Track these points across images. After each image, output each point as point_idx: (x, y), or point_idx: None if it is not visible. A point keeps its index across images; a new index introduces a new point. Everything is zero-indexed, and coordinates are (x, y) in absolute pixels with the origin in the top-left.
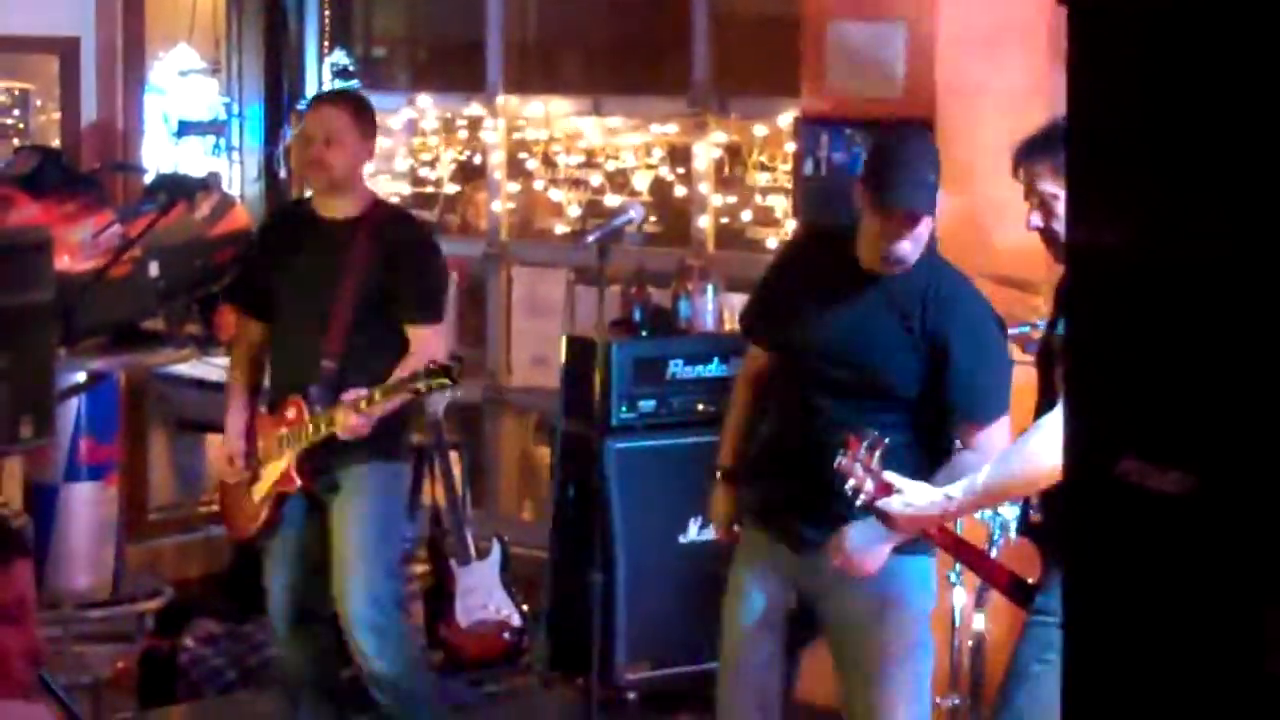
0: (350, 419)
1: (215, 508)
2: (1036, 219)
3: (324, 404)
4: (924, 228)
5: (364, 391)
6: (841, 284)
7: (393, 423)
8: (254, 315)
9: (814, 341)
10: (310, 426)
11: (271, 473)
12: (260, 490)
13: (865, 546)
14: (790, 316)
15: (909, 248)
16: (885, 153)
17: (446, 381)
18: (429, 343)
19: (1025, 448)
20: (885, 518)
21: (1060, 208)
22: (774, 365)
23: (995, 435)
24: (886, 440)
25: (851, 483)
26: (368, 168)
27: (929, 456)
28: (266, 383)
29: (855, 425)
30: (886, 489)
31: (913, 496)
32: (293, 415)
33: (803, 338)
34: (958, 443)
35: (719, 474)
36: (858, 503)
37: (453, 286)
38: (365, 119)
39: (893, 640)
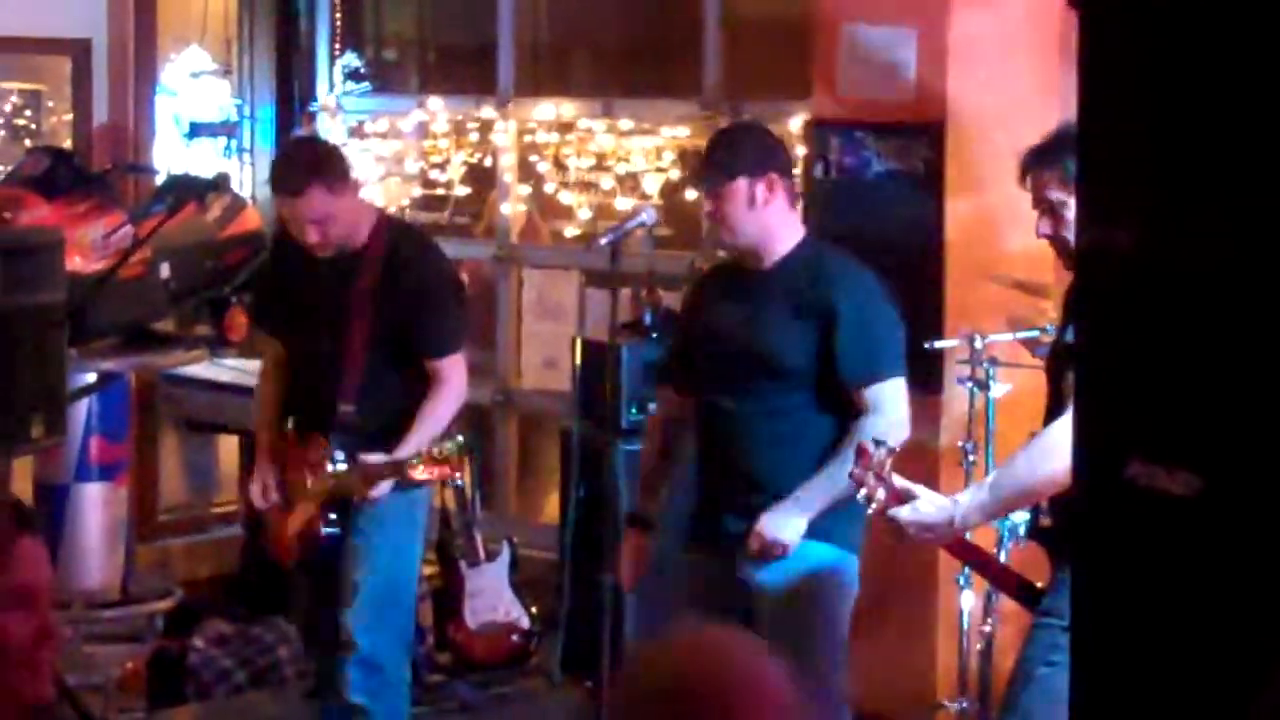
0: (367, 491)
1: (226, 509)
2: (1045, 226)
3: (345, 450)
4: (731, 197)
5: (380, 459)
6: (731, 292)
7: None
8: (277, 335)
9: (712, 347)
10: (331, 478)
11: (301, 512)
12: (293, 525)
13: (778, 530)
14: (694, 345)
15: (723, 219)
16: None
17: (448, 472)
18: (448, 374)
19: (1035, 453)
20: (897, 527)
21: (1069, 215)
22: (688, 404)
23: (888, 394)
24: (896, 448)
25: (864, 491)
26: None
27: (835, 435)
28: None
29: (760, 416)
30: (899, 497)
31: (922, 505)
32: (315, 458)
33: (704, 350)
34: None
35: (628, 521)
36: (870, 510)
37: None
38: (336, 174)
39: (801, 633)
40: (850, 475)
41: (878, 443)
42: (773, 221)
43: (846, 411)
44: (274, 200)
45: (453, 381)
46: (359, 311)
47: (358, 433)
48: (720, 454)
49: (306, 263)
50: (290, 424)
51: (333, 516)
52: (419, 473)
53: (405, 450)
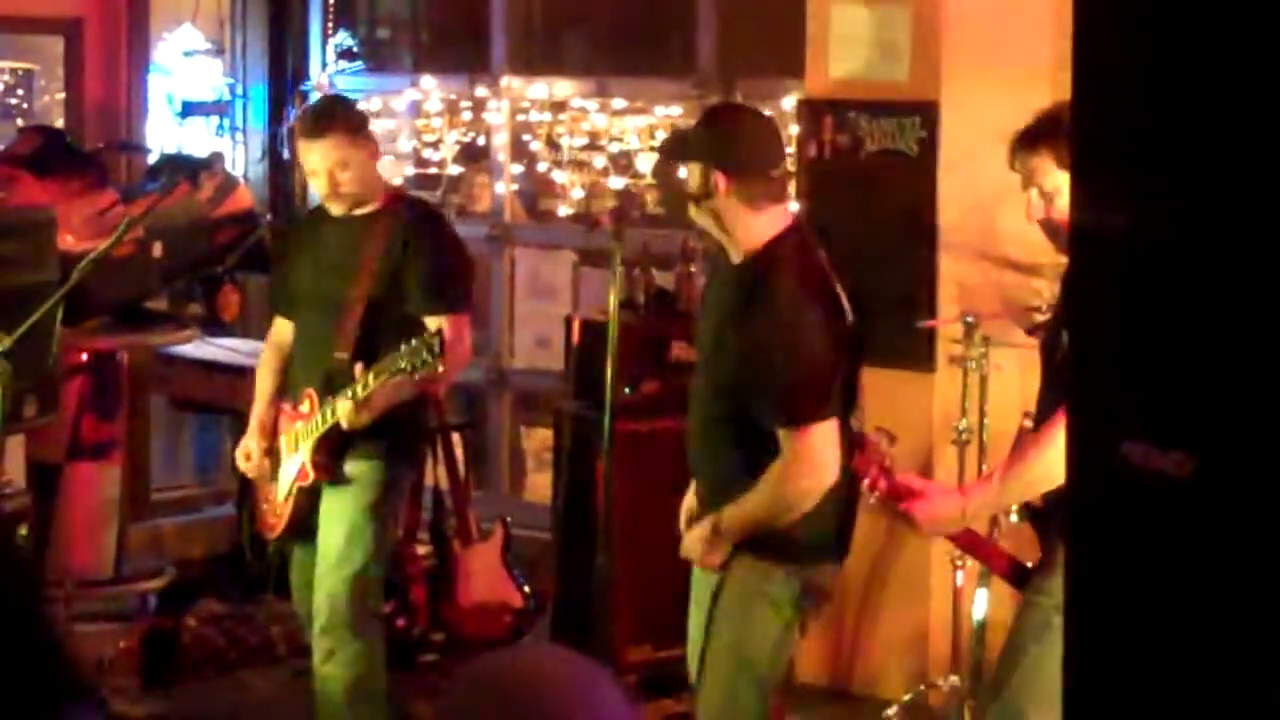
0: (345, 404)
1: (218, 488)
2: (1037, 210)
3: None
4: (689, 181)
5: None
6: (714, 282)
7: (403, 425)
8: (284, 315)
9: (698, 342)
10: (320, 417)
11: (289, 468)
12: (282, 488)
13: (704, 540)
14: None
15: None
16: None
17: (428, 359)
18: (445, 334)
19: (1054, 454)
20: (906, 520)
21: (1061, 199)
22: None
23: (803, 438)
24: (896, 437)
25: (866, 481)
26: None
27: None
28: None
29: (707, 418)
30: (902, 489)
31: (933, 501)
32: (307, 409)
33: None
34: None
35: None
36: (871, 500)
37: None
38: (356, 128)
39: (717, 646)
40: (853, 467)
41: (881, 433)
42: (727, 217)
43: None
44: (298, 151)
45: (450, 343)
46: (365, 268)
47: (349, 383)
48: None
49: (323, 232)
50: (288, 396)
51: (323, 461)
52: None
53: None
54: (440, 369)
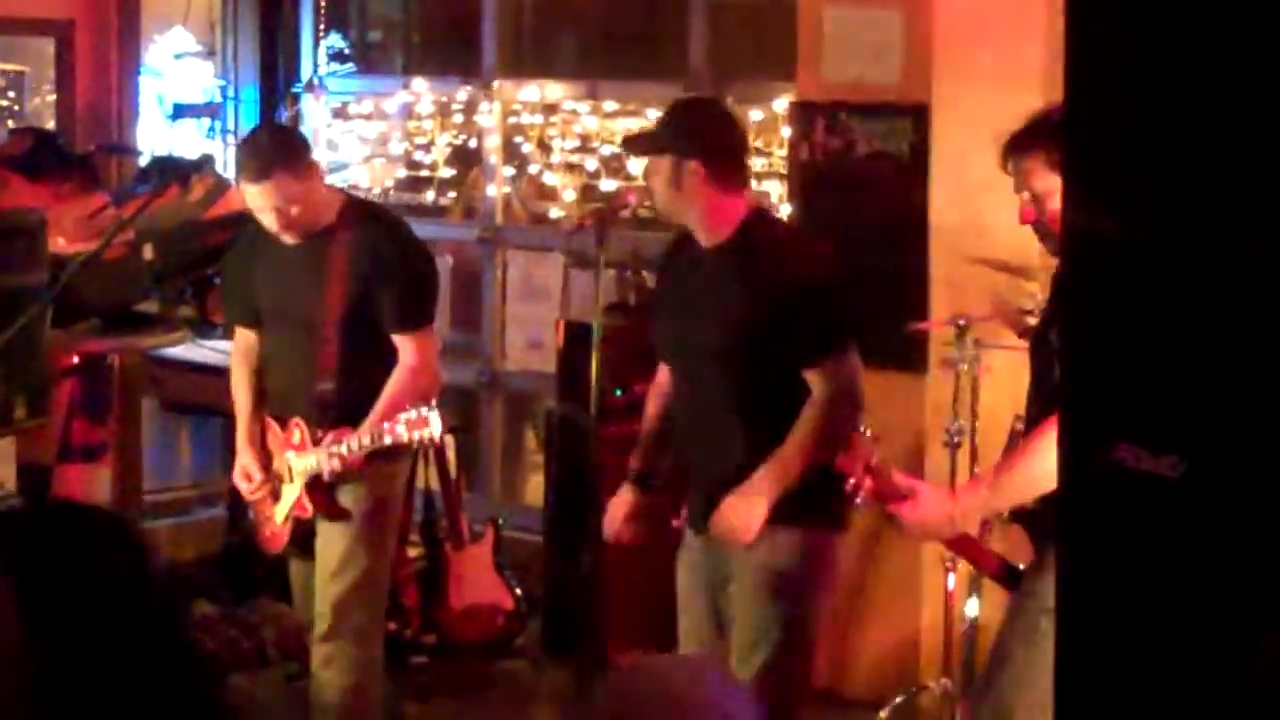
0: (334, 464)
1: (209, 491)
2: (1029, 212)
3: (324, 428)
4: (652, 181)
5: (345, 438)
6: (685, 269)
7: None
8: (250, 326)
9: (669, 325)
10: (312, 460)
11: (288, 496)
12: (281, 512)
13: (740, 514)
14: (668, 322)
15: (654, 194)
16: None
17: (429, 433)
18: (413, 351)
19: (1046, 461)
20: (895, 522)
21: (1053, 201)
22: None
23: (835, 366)
24: (878, 437)
25: (851, 481)
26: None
27: (768, 416)
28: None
29: (727, 394)
30: (892, 491)
31: (924, 503)
32: (298, 440)
33: (664, 328)
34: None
35: (628, 478)
36: (857, 500)
37: (445, 273)
38: (299, 160)
39: (768, 615)
40: (838, 465)
41: (865, 433)
42: (703, 204)
43: (791, 391)
44: (243, 193)
45: (414, 358)
46: (332, 291)
47: (337, 410)
48: (695, 432)
49: (276, 250)
50: (271, 411)
51: (318, 496)
52: (400, 430)
53: (362, 432)
54: (440, 438)
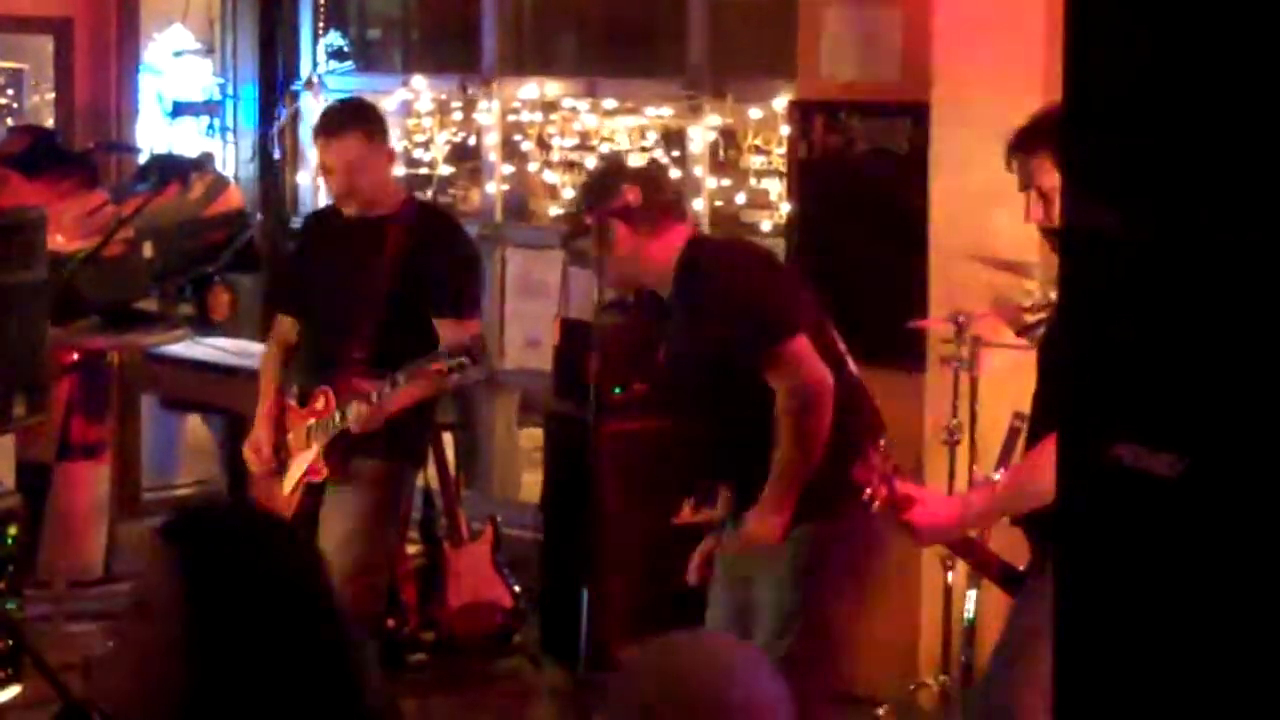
0: (361, 408)
1: (207, 488)
2: (1037, 211)
3: (351, 393)
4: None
5: (381, 382)
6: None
7: (411, 424)
8: (290, 314)
9: (669, 364)
10: (336, 416)
11: (300, 463)
12: (290, 481)
13: (760, 532)
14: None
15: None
16: None
17: (466, 362)
18: (457, 337)
19: (1047, 456)
20: (908, 530)
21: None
22: None
23: (785, 357)
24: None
25: (868, 491)
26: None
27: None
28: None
29: (714, 418)
30: (900, 498)
31: (933, 506)
32: (321, 406)
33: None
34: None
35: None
36: (873, 509)
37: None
38: (374, 130)
39: (792, 605)
40: (854, 476)
41: (882, 443)
42: (636, 259)
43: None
44: (317, 146)
45: (453, 340)
46: (381, 273)
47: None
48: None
49: (334, 234)
50: (295, 390)
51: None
52: (440, 363)
53: (392, 377)
54: (482, 375)
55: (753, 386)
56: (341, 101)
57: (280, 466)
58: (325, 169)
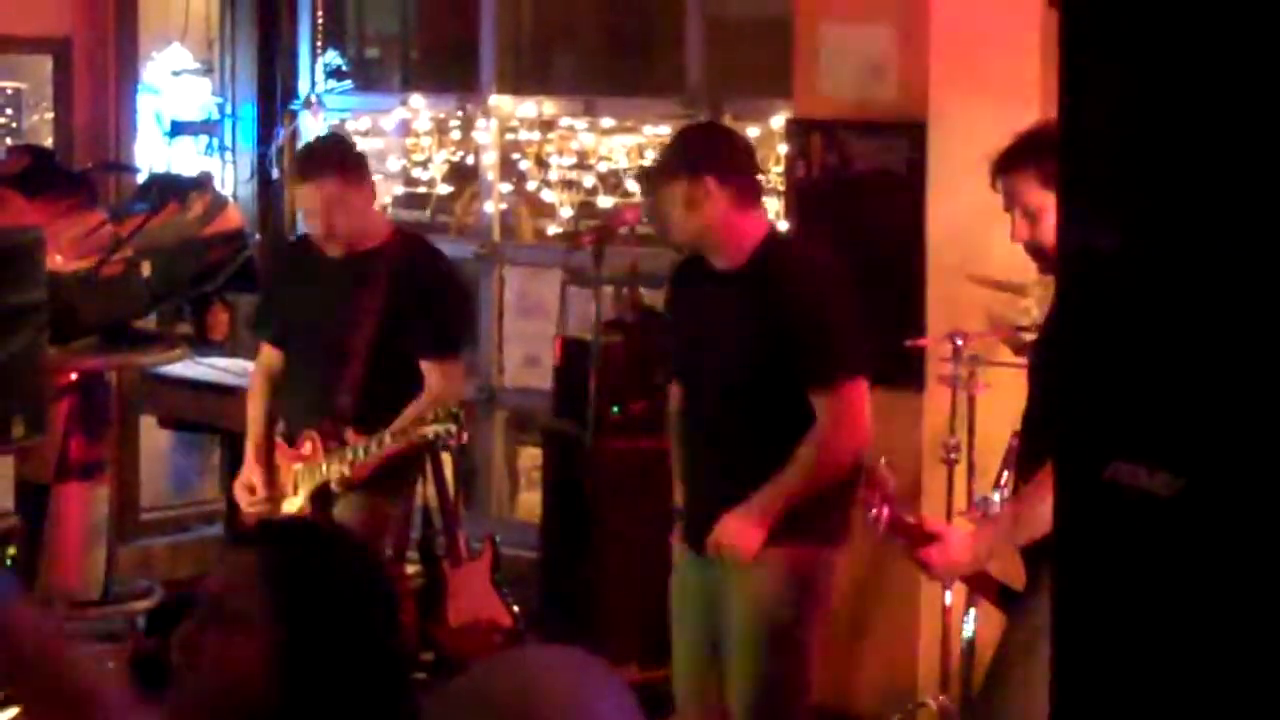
0: (344, 470)
1: (207, 508)
2: (1022, 231)
3: (339, 440)
4: (662, 206)
5: (358, 443)
6: (697, 291)
7: (398, 466)
8: (275, 344)
9: (691, 351)
10: (322, 467)
11: (289, 508)
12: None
13: (738, 534)
14: (679, 343)
15: (671, 224)
16: None
17: (453, 429)
18: (442, 378)
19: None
20: (922, 565)
21: (1047, 217)
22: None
23: (845, 396)
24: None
25: (872, 512)
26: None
27: (773, 442)
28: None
29: (734, 418)
30: (913, 530)
31: (948, 544)
32: (308, 450)
33: (685, 350)
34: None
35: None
36: (879, 531)
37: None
38: (351, 170)
39: (761, 636)
40: (861, 501)
41: (886, 469)
42: (720, 224)
43: (798, 417)
44: (293, 188)
45: (440, 386)
46: (368, 311)
47: (353, 426)
48: (701, 457)
49: (319, 265)
50: (281, 427)
51: (320, 508)
52: (426, 429)
53: (376, 437)
54: (463, 440)
55: (784, 402)
56: (315, 144)
57: (271, 509)
58: (304, 210)
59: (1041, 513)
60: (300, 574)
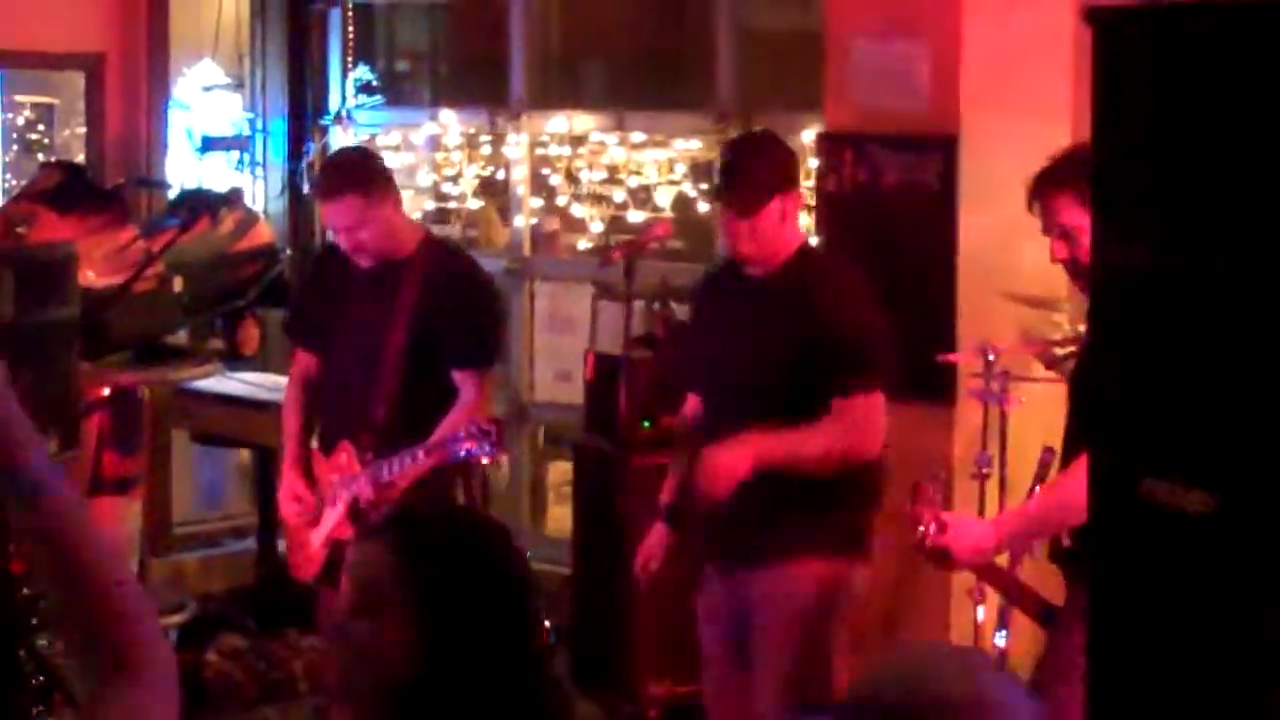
0: (366, 492)
1: (239, 522)
2: (1061, 250)
3: (375, 452)
4: (764, 224)
5: (390, 462)
6: (734, 299)
7: (429, 483)
8: (310, 349)
9: (718, 359)
10: (357, 480)
11: (329, 518)
12: (319, 535)
13: (720, 464)
14: (703, 350)
15: (748, 246)
16: (722, 157)
17: (489, 449)
18: (476, 390)
19: (1076, 478)
20: (946, 558)
21: (1086, 238)
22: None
23: (863, 404)
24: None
25: (921, 529)
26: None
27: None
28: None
29: (757, 427)
30: (943, 528)
31: (965, 530)
32: (344, 461)
33: (709, 357)
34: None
35: (660, 514)
36: (925, 544)
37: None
38: (372, 184)
39: (789, 650)
40: (910, 513)
41: (935, 479)
42: (775, 233)
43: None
44: (319, 208)
45: (474, 397)
46: (399, 321)
47: (388, 439)
48: None
49: (350, 274)
50: (316, 437)
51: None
52: (460, 448)
53: (407, 454)
54: (502, 462)
55: (807, 413)
56: (333, 160)
57: (313, 518)
58: (330, 228)
59: (1067, 503)
60: (438, 558)
